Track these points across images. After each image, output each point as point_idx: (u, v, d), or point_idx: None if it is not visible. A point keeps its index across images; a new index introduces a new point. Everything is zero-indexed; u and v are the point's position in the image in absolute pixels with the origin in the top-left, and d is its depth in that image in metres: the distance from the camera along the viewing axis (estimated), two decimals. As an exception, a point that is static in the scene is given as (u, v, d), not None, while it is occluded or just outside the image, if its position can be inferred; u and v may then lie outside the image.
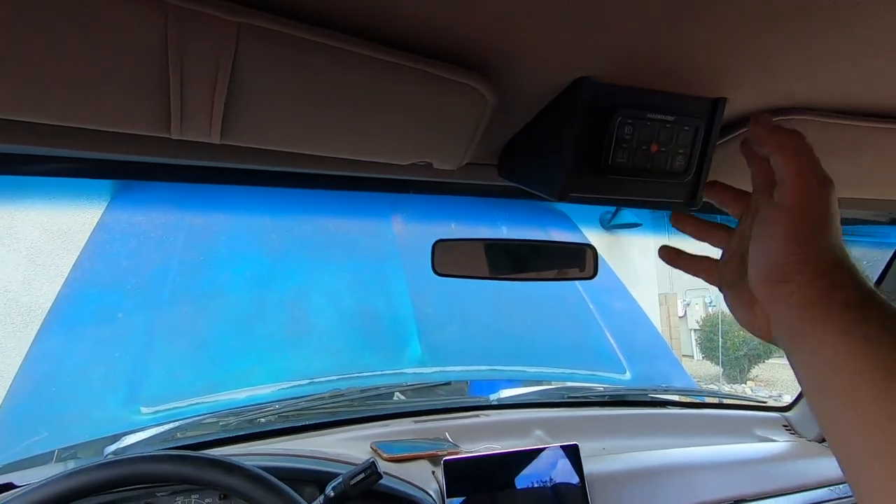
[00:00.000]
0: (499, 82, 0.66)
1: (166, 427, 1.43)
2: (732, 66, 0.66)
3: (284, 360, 1.79)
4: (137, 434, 1.41)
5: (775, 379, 9.77)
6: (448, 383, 1.80)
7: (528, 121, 0.78)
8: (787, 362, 0.54)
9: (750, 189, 0.96)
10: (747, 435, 1.71)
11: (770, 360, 9.78)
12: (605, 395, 1.80)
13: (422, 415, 1.57)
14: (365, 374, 1.79)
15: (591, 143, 0.72)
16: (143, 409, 1.53)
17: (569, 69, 0.66)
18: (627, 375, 2.16)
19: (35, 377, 1.56)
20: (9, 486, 1.09)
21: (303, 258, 2.09)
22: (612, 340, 2.34)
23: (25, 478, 1.17)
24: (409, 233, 2.25)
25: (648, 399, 1.85)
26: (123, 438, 1.41)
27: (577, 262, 1.14)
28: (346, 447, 1.35)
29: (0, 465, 1.35)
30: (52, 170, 0.82)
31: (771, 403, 1.90)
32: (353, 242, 2.19)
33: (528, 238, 1.16)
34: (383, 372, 1.83)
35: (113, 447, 1.37)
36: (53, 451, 1.44)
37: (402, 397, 1.71)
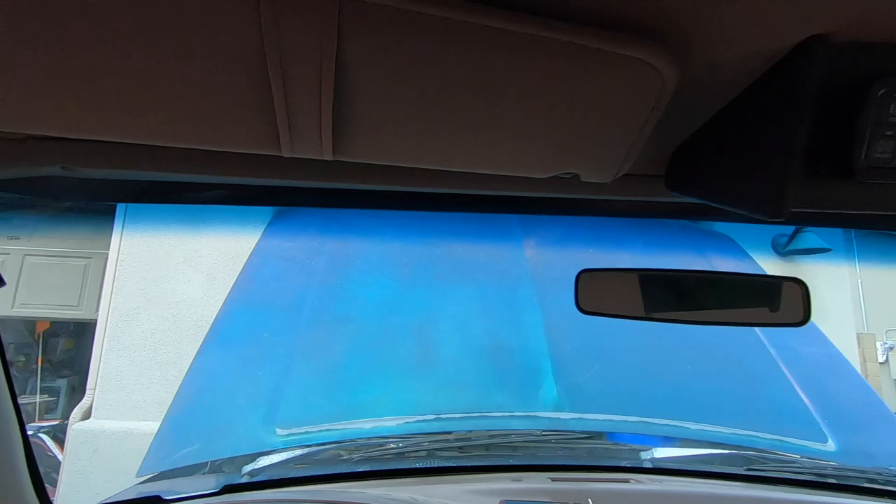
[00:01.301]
0: (684, 53, 0.47)
1: (297, 453, 1.44)
2: None
3: (410, 391, 1.72)
4: (271, 456, 1.44)
5: None
6: (589, 434, 1.55)
7: (720, 108, 0.57)
8: None
9: None
10: None
11: None
12: (803, 472, 1.38)
13: (559, 470, 1.35)
14: (494, 414, 1.63)
15: (828, 134, 0.49)
16: (279, 431, 1.56)
17: (793, 26, 0.44)
18: (831, 445, 1.66)
19: (193, 390, 1.71)
20: (156, 500, 1.15)
21: (430, 283, 2.03)
22: (803, 396, 1.84)
23: (174, 488, 1.22)
24: (543, 257, 2.06)
25: (867, 486, 1.37)
26: (259, 459, 1.44)
27: (774, 301, 0.85)
28: (474, 500, 1.20)
29: (158, 472, 1.47)
30: (195, 198, 0.83)
31: None
32: (482, 267, 2.07)
33: (698, 269, 0.91)
34: (514, 414, 1.65)
35: (249, 467, 1.41)
36: (204, 463, 1.54)
37: (535, 446, 1.51)
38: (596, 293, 0.88)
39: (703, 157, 0.64)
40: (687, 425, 1.61)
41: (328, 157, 0.58)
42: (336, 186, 0.68)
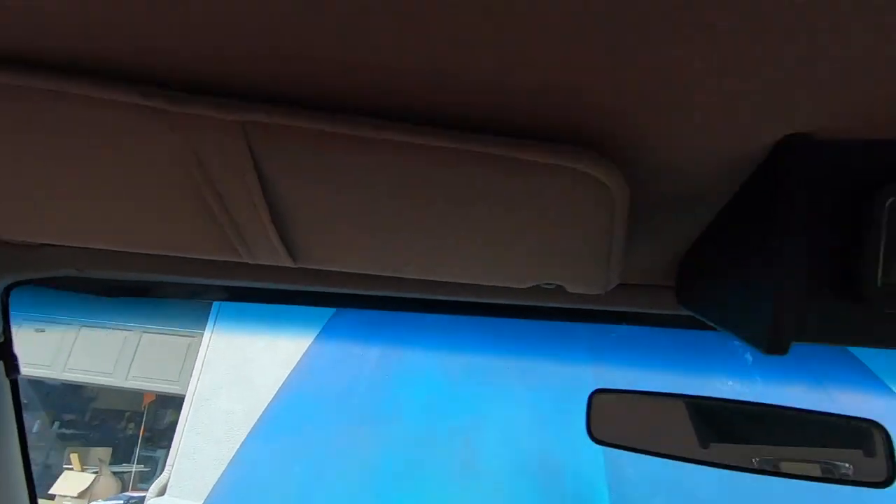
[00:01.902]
0: (633, 162, 0.42)
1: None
2: None
3: (446, 506, 1.56)
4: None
5: None
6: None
7: (712, 219, 0.50)
8: None
9: None
10: None
11: None
12: None
13: None
14: (537, 547, 1.41)
15: (834, 251, 0.39)
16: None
17: (762, 124, 0.38)
18: None
19: (232, 482, 1.70)
20: None
21: (478, 384, 1.91)
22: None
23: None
24: (606, 369, 1.87)
25: None
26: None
27: (847, 449, 0.65)
28: None
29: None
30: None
31: None
32: (535, 371, 1.92)
33: (757, 402, 0.74)
34: (561, 550, 1.41)
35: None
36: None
37: None
38: (613, 419, 0.75)
39: (704, 271, 0.55)
40: None
41: (290, 264, 0.58)
42: (309, 290, 0.67)
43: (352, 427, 1.82)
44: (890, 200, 0.36)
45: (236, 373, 3.81)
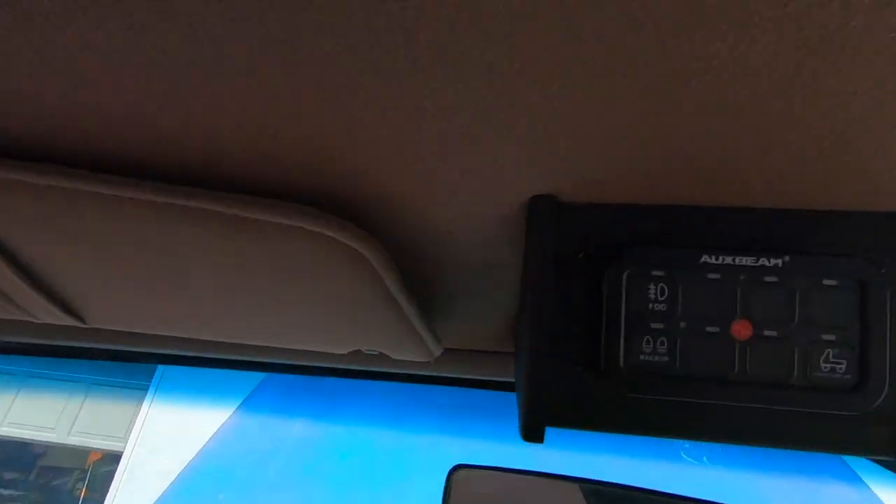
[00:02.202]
0: (396, 227, 0.39)
1: None
2: None
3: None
4: None
5: None
6: None
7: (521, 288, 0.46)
8: None
9: None
10: None
11: None
12: None
13: None
14: None
15: (581, 326, 0.35)
16: None
17: (510, 184, 0.35)
18: None
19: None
20: None
21: (409, 445, 1.80)
22: None
23: None
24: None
25: None
26: None
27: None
28: None
29: None
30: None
31: None
32: (478, 443, 1.82)
33: (626, 484, 0.68)
34: None
35: None
36: None
37: None
38: (476, 500, 0.68)
39: (514, 343, 0.50)
40: None
41: (79, 324, 0.52)
42: (118, 349, 0.62)
43: (267, 495, 1.68)
44: (628, 271, 0.33)
45: (177, 432, 3.59)
